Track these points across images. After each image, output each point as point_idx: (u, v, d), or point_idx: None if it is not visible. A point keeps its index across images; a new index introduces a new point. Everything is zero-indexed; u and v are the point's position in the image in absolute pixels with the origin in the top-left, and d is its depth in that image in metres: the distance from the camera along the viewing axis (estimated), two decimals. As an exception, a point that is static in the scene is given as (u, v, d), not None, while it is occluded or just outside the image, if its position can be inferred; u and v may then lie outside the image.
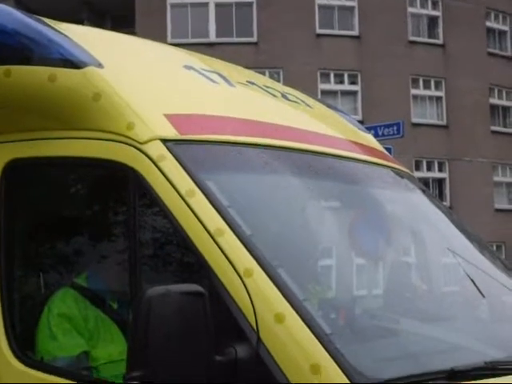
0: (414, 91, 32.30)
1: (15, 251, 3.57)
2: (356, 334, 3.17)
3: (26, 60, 3.39)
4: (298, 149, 3.62)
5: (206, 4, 30.85)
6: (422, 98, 32.70)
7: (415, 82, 32.42)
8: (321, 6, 31.46)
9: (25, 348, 3.37)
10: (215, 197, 3.02)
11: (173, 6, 30.82)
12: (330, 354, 2.68)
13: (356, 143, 4.33)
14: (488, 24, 34.25)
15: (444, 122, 32.67)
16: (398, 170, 4.43)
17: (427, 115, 32.68)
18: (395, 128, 18.33)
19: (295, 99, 4.41)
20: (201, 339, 2.62)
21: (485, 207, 31.43)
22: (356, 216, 3.81)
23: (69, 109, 3.36)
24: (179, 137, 3.22)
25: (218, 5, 30.87)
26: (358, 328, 3.28)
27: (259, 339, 2.72)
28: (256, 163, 3.45)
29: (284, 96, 4.32)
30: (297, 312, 2.76)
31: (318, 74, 31.00)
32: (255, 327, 2.74)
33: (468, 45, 32.27)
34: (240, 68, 4.74)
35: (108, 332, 3.44)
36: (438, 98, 32.95)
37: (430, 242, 4.15)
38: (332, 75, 31.53)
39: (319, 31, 31.20)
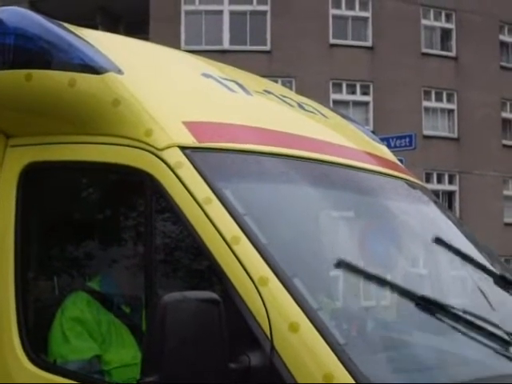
0: (425, 103, 32.27)
1: (30, 254, 3.59)
2: (369, 344, 3.17)
3: (47, 64, 3.40)
4: (314, 159, 3.63)
5: (221, 12, 30.90)
6: (434, 110, 32.65)
7: (427, 94, 32.38)
8: (335, 16, 31.47)
9: (38, 350, 3.38)
10: (232, 205, 3.02)
11: (187, 12, 30.87)
12: (343, 364, 2.68)
13: (371, 154, 4.33)
14: (501, 37, 34.19)
15: (455, 135, 32.62)
16: (412, 181, 4.44)
17: (439, 127, 32.63)
18: (408, 140, 18.34)
19: (311, 109, 4.42)
20: (215, 346, 2.63)
21: (494, 221, 31.33)
22: (370, 227, 3.82)
23: (87, 114, 3.37)
24: (197, 144, 3.23)
25: (232, 13, 30.91)
26: (371, 339, 3.28)
27: (273, 348, 2.72)
28: (273, 172, 3.45)
29: (300, 106, 4.33)
30: (311, 321, 2.75)
31: (331, 84, 30.99)
32: (269, 336, 2.74)
33: (481, 58, 32.23)
34: (257, 77, 4.75)
35: (120, 336, 3.45)
36: (450, 111, 32.89)
37: (443, 254, 4.15)
38: (344, 85, 31.53)
39: (332, 41, 31.20)
